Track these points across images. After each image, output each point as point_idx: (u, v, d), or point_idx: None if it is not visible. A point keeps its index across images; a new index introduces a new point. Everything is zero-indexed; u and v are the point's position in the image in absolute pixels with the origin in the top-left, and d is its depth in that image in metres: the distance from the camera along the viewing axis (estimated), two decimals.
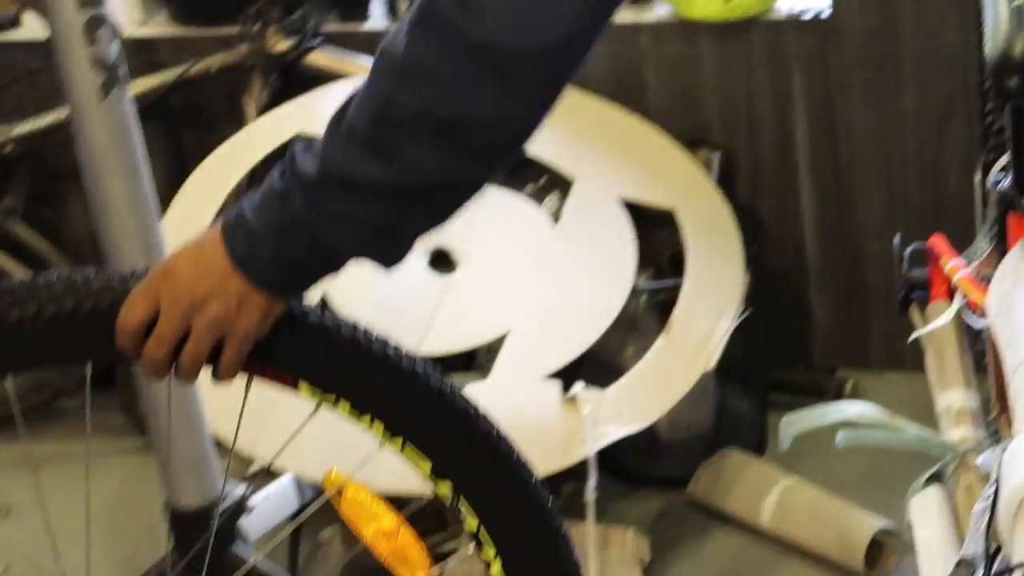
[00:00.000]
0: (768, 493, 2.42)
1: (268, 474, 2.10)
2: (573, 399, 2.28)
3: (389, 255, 1.32)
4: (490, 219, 2.49)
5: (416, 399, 1.48)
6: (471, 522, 1.49)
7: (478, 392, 2.23)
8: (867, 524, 2.32)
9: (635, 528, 2.34)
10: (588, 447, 2.22)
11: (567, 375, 2.36)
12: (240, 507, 1.82)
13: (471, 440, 1.50)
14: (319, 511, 2.04)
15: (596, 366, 2.41)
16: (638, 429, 2.28)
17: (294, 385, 1.46)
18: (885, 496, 2.31)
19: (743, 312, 2.42)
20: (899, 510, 1.94)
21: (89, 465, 1.99)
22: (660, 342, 2.40)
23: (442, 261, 2.49)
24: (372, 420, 1.47)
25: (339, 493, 1.60)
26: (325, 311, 1.48)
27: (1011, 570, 1.14)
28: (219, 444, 1.91)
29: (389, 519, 1.59)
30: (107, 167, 1.72)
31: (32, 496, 1.76)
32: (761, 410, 2.59)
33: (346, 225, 1.26)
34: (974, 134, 2.45)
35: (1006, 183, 1.62)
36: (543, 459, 2.18)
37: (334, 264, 1.31)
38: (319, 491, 2.09)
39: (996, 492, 1.34)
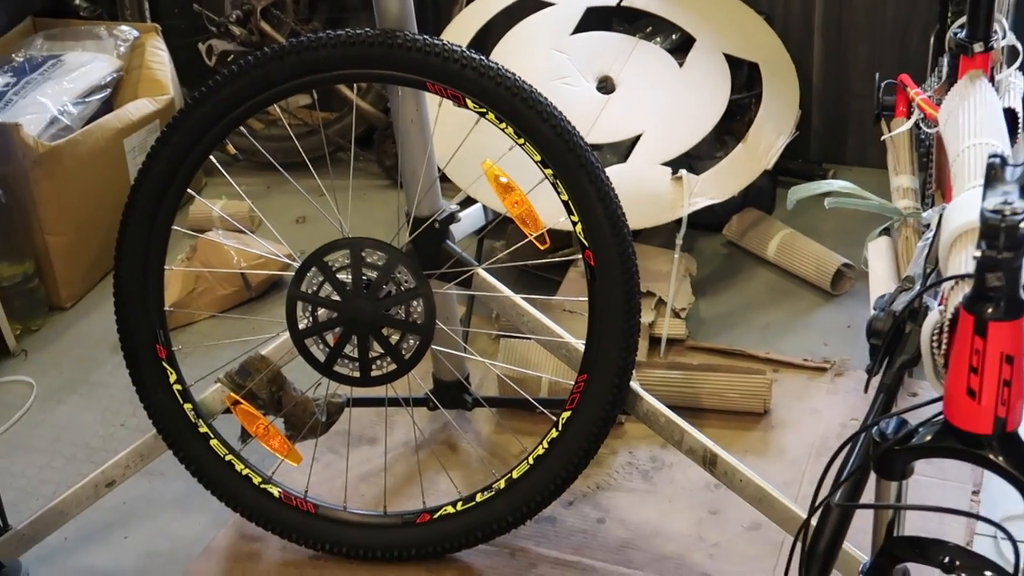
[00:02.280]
0: (773, 237, 2.51)
1: (470, 200, 2.18)
2: (679, 178, 2.35)
3: None
4: (641, 60, 2.53)
5: (534, 115, 1.60)
6: (564, 195, 1.63)
7: (619, 171, 2.35)
8: (834, 259, 2.42)
9: (687, 253, 2.44)
10: (685, 210, 2.30)
11: (673, 163, 2.40)
12: (451, 218, 1.84)
13: (567, 144, 1.61)
14: (494, 228, 2.21)
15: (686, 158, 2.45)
16: (718, 201, 2.35)
17: (463, 101, 1.61)
18: (848, 244, 2.42)
19: (793, 134, 2.45)
20: (857, 253, 2.02)
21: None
22: (739, 147, 2.44)
23: (606, 85, 2.51)
24: (507, 124, 1.61)
25: (497, 181, 1.69)
26: (478, 55, 1.61)
27: (942, 280, 1.19)
28: (444, 177, 1.95)
29: (519, 193, 1.69)
30: None
31: (316, 211, 1.93)
32: (773, 185, 2.65)
33: None
34: (932, 11, 2.42)
35: (962, 34, 1.64)
36: (657, 215, 2.31)
37: None
38: (497, 215, 2.20)
39: (935, 235, 1.46)
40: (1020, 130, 1.62)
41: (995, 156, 1.08)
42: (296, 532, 1.87)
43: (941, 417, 1.12)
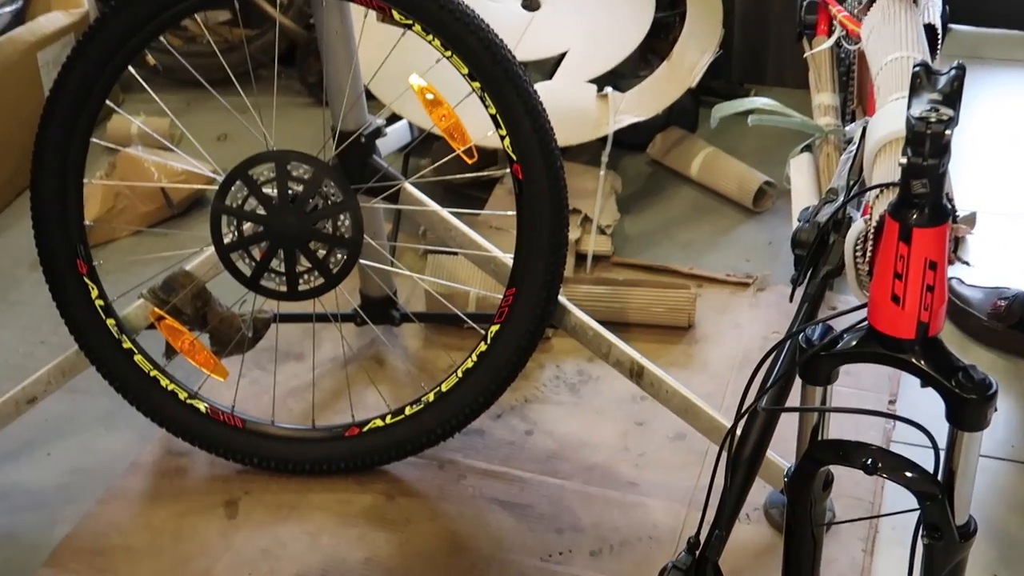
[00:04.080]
0: (696, 156, 2.51)
1: (395, 116, 2.15)
2: (605, 96, 2.32)
3: None
4: None
5: (461, 26, 1.56)
6: (492, 108, 1.59)
7: (545, 88, 2.29)
8: (756, 177, 2.42)
9: (613, 171, 2.42)
10: (611, 127, 2.28)
11: (598, 81, 2.36)
12: (377, 132, 1.78)
13: (494, 56, 1.58)
14: (420, 147, 2.18)
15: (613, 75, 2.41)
16: (642, 119, 2.32)
17: (389, 12, 1.56)
18: (770, 163, 2.44)
19: (717, 52, 2.43)
20: (779, 172, 2.02)
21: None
22: (664, 65, 2.41)
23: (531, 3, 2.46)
24: (433, 37, 1.57)
25: (424, 96, 1.63)
26: None
27: (867, 189, 1.19)
28: (369, 95, 1.88)
29: (446, 107, 1.64)
30: None
31: (240, 127, 1.82)
32: (696, 104, 2.63)
33: None
34: None
35: None
36: (583, 133, 2.27)
37: None
38: (422, 132, 2.20)
39: (858, 148, 1.46)
40: (939, 46, 1.62)
41: (920, 65, 1.07)
42: (223, 447, 1.84)
43: (866, 323, 1.12)
